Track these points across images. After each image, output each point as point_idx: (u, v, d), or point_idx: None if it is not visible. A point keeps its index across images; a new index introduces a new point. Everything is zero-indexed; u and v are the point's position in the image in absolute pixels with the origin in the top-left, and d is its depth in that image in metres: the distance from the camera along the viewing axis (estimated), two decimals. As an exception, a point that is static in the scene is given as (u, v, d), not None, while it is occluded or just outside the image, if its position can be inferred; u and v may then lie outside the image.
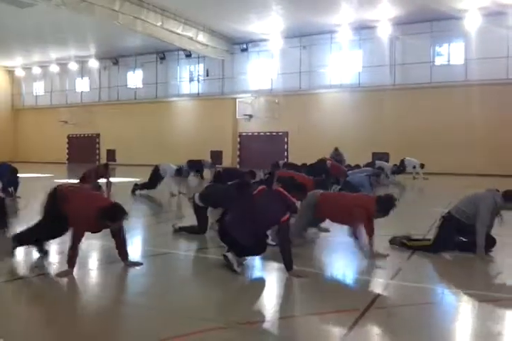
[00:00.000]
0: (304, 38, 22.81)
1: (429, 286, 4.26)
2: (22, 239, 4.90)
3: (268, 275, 4.64)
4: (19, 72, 32.33)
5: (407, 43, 20.74)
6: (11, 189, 9.73)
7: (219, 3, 18.26)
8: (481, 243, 5.07)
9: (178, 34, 20.69)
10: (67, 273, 4.30)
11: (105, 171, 11.08)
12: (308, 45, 23.04)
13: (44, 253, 4.99)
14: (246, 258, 4.73)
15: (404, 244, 5.50)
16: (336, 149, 17.38)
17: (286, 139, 24.23)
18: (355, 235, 5.13)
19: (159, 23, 19.27)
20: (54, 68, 30.34)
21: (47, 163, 28.50)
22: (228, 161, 24.76)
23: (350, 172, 12.32)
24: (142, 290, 4.14)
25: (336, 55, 22.65)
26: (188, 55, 25.50)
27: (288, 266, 4.40)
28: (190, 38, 21.47)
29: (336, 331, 3.20)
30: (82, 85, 30.55)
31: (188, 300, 3.78)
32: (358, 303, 3.62)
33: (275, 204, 4.48)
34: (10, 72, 32.80)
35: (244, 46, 24.40)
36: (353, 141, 21.03)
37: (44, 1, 15.69)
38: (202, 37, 21.96)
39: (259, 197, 4.74)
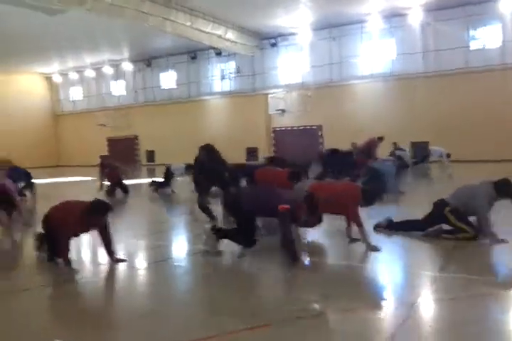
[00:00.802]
0: (334, 29, 22.54)
1: (478, 278, 4.15)
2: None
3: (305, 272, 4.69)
4: (56, 78, 33.35)
5: (439, 29, 20.14)
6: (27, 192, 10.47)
7: (246, 0, 18.30)
8: (489, 232, 5.15)
9: (208, 33, 20.85)
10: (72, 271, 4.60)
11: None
12: (337, 36, 22.75)
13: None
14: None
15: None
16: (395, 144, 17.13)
17: (320, 132, 24.07)
18: (348, 223, 5.16)
19: (188, 23, 19.47)
20: (89, 73, 31.15)
21: (88, 166, 29.38)
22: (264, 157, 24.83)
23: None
24: (186, 288, 4.24)
25: (366, 44, 22.29)
26: (219, 53, 25.69)
27: (292, 257, 4.40)
28: (220, 36, 21.60)
29: (388, 326, 3.16)
30: (118, 88, 31.30)
31: (232, 298, 3.82)
32: (409, 297, 3.64)
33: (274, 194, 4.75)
34: (48, 78, 33.90)
35: (274, 41, 24.33)
36: (389, 131, 20.58)
37: (74, 7, 16.06)
38: (231, 34, 22.06)
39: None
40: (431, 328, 3.14)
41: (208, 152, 7.51)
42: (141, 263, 5.21)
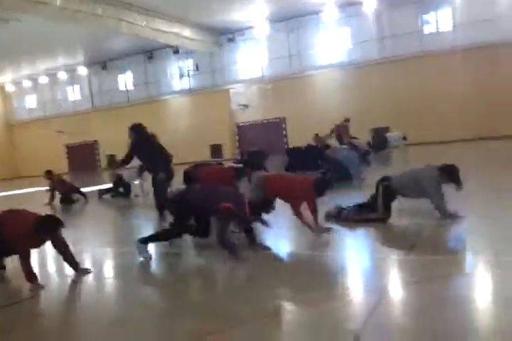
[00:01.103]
0: (290, 21, 22.68)
1: (446, 257, 4.12)
2: None
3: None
4: (9, 87, 32.19)
5: (393, 15, 20.66)
6: None
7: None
8: (446, 213, 5.28)
9: (164, 31, 20.60)
10: (36, 287, 4.26)
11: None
12: (295, 28, 22.90)
13: (3, 268, 4.92)
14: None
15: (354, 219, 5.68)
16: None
17: (284, 125, 24.25)
18: (296, 214, 5.27)
19: (144, 23, 19.18)
20: (43, 79, 30.22)
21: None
22: (228, 154, 24.81)
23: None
24: (156, 293, 4.17)
25: (323, 34, 22.52)
26: (176, 52, 25.36)
27: (230, 252, 4.54)
28: (177, 34, 21.38)
29: (360, 314, 3.07)
30: (74, 93, 30.48)
31: (203, 300, 3.75)
32: (377, 282, 3.59)
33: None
34: (0, 88, 32.65)
35: (231, 36, 24.25)
36: (351, 118, 21.13)
37: (26, 13, 15.59)
38: (188, 32, 21.87)
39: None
40: (402, 312, 3.07)
41: (137, 132, 7.34)
42: (107, 271, 5.04)
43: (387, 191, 5.54)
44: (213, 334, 2.90)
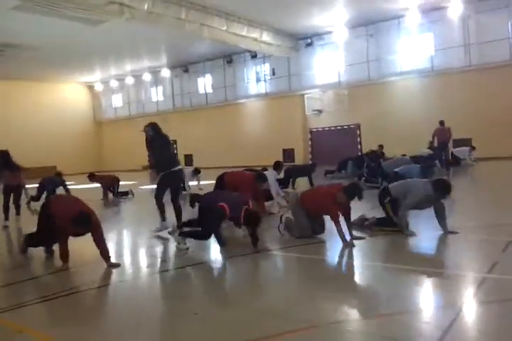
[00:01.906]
0: (370, 26, 22.25)
1: None
2: (31, 242, 5.64)
3: (355, 271, 4.62)
4: (98, 87, 34.50)
5: (480, 21, 19.54)
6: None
7: (280, 0, 18.34)
8: (404, 224, 5.73)
9: (243, 36, 20.99)
10: (64, 266, 4.92)
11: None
12: (374, 33, 22.43)
13: (50, 253, 5.64)
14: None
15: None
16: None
17: (358, 131, 23.79)
18: (334, 222, 5.46)
19: (224, 28, 19.66)
20: (129, 80, 32.01)
21: (130, 170, 30.10)
22: (300, 158, 24.79)
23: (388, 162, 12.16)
24: (235, 290, 4.23)
25: (404, 40, 21.85)
26: (254, 56, 25.84)
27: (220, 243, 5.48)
28: (255, 39, 21.72)
29: (435, 329, 3.00)
30: (157, 94, 32.00)
31: (279, 299, 3.78)
32: (455, 299, 3.48)
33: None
34: (90, 87, 35.10)
35: (309, 41, 24.24)
36: (430, 129, 20.22)
37: (113, 17, 16.53)
38: (266, 36, 22.14)
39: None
40: (480, 332, 2.95)
41: (153, 129, 6.81)
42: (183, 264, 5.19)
43: (394, 205, 5.90)
44: (286, 333, 2.97)
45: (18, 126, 29.97)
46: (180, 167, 6.91)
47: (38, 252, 5.63)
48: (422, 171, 9.13)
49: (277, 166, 9.26)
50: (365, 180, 11.48)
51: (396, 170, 9.62)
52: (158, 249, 6.05)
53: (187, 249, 5.54)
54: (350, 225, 5.69)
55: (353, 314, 3.39)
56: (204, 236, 5.58)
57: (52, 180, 12.38)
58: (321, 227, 5.98)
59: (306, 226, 5.89)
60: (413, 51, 21.61)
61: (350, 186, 5.72)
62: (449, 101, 20.33)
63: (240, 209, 5.38)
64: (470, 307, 3.39)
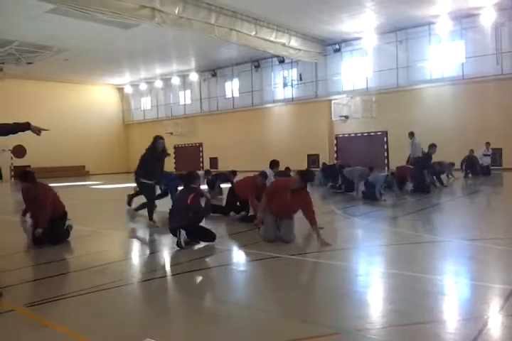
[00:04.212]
0: (400, 32, 22.09)
1: None
2: None
3: (380, 279, 4.57)
4: (128, 89, 35.13)
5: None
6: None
7: (310, 7, 18.37)
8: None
9: (272, 41, 21.11)
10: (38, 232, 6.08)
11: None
12: (404, 40, 22.26)
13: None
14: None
15: None
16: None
17: (385, 139, 23.55)
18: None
19: (253, 33, 19.82)
20: (158, 83, 32.52)
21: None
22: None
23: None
24: (257, 293, 4.24)
25: (435, 47, 21.60)
26: (282, 61, 25.93)
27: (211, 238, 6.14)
28: (283, 44, 21.81)
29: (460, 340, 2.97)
30: (185, 98, 32.38)
31: (302, 304, 3.77)
32: (482, 311, 3.41)
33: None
34: (120, 89, 35.77)
35: (337, 46, 24.22)
36: (460, 137, 19.87)
37: (146, 21, 16.86)
38: (294, 42, 22.20)
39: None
40: None
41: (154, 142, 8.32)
42: (206, 265, 5.25)
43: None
44: (310, 339, 2.97)
45: (49, 126, 30.58)
46: (152, 182, 8.19)
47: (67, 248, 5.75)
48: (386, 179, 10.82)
49: (274, 165, 10.10)
50: (331, 186, 13.73)
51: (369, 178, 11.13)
52: (186, 252, 6.11)
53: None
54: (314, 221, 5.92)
55: (376, 322, 3.35)
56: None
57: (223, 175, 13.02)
58: (287, 232, 6.02)
59: (270, 229, 6.04)
60: (444, 58, 21.31)
61: (305, 171, 6.15)
62: (480, 110, 19.96)
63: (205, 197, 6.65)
64: (497, 320, 3.31)
